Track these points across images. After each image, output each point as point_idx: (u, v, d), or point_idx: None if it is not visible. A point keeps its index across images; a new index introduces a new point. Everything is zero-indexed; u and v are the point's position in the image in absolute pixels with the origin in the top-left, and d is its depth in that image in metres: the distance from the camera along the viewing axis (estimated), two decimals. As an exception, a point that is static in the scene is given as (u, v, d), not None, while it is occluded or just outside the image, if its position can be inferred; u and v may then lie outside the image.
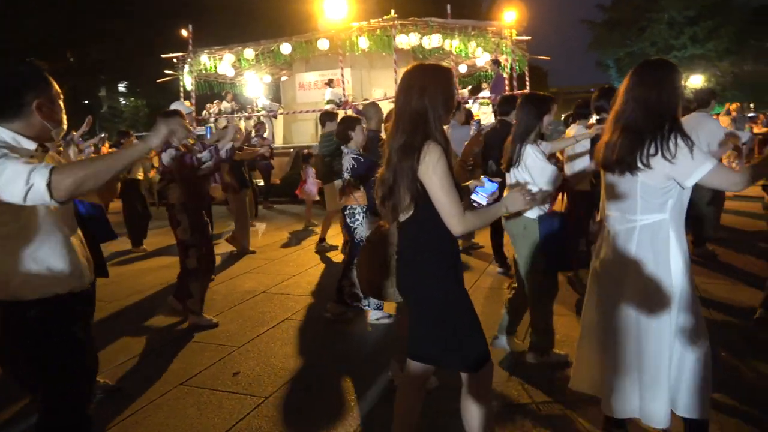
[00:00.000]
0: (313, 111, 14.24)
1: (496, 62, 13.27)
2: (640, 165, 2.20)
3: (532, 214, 3.36)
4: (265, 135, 12.14)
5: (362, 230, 4.37)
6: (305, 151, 10.61)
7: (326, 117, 6.91)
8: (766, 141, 12.16)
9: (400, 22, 12.41)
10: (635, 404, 2.36)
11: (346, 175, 4.34)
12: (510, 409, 3.03)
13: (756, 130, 14.20)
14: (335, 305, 4.62)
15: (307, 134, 15.00)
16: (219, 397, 3.34)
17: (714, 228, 6.40)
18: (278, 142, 15.53)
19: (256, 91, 16.82)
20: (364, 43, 12.94)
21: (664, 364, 2.27)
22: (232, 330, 4.47)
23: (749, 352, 3.56)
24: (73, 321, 2.03)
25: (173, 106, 5.43)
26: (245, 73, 16.50)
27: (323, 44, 13.40)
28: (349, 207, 4.44)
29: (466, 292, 2.24)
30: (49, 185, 1.69)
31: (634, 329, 2.33)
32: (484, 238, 6.25)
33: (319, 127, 7.25)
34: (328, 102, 13.17)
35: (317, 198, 9.55)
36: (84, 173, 1.75)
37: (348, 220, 4.45)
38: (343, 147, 4.42)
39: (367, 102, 12.29)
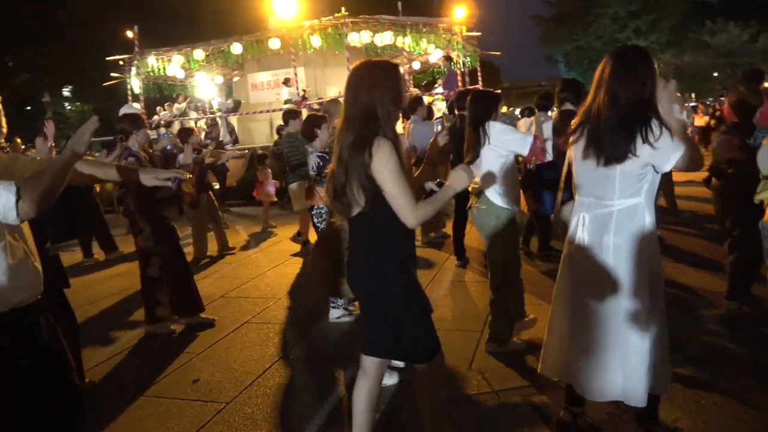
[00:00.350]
0: (267, 111, 14.09)
1: (447, 58, 13.42)
2: (629, 155, 2.22)
3: (504, 203, 3.45)
4: (221, 136, 11.95)
5: None
6: (260, 151, 10.47)
7: (289, 116, 6.82)
8: (706, 130, 12.73)
9: (351, 20, 12.39)
10: (618, 387, 2.38)
11: (312, 174, 4.31)
12: (470, 398, 3.08)
13: (697, 120, 14.83)
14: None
15: (262, 135, 14.81)
16: (179, 405, 3.28)
17: (673, 213, 6.68)
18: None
19: (208, 92, 16.49)
20: (316, 41, 12.86)
21: (646, 345, 2.33)
22: (191, 336, 4.39)
23: (696, 327, 3.74)
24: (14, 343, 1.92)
25: (123, 110, 5.27)
26: (196, 75, 16.15)
27: (275, 43, 13.24)
28: (316, 207, 4.41)
29: (420, 287, 2.28)
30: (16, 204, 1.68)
31: (613, 311, 2.37)
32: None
33: (274, 127, 7.17)
34: (286, 102, 13.02)
35: (275, 199, 9.45)
36: (43, 188, 1.73)
37: (315, 220, 4.42)
38: (307, 146, 4.39)
39: (322, 100, 12.26)
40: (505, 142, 3.43)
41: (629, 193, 2.31)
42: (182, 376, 3.68)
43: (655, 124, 2.20)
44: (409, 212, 2.06)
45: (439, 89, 14.38)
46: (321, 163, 4.19)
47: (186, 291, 4.61)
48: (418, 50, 14.35)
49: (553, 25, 33.02)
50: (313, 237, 7.20)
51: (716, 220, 4.58)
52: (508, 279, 3.60)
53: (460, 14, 16.12)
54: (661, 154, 2.20)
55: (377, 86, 2.09)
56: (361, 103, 2.09)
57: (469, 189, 3.49)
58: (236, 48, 13.69)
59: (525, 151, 3.44)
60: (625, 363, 2.36)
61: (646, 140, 2.18)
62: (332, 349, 3.99)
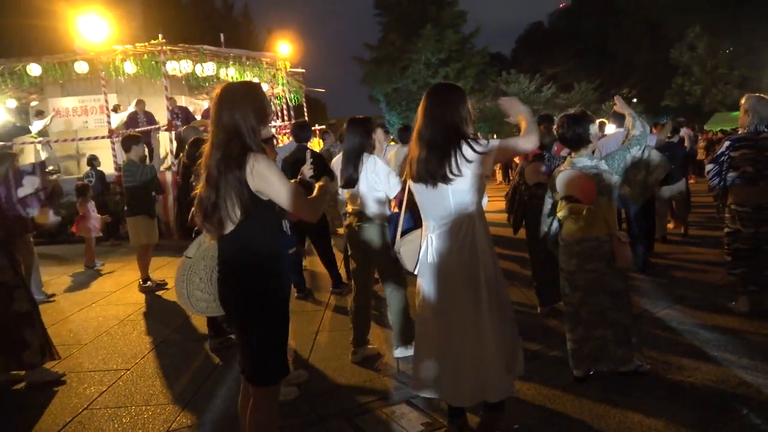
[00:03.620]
0: (73, 140, 12.79)
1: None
2: (450, 176, 2.51)
3: (380, 218, 3.87)
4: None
5: None
6: (79, 183, 9.34)
7: (131, 141, 6.38)
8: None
9: (169, 47, 11.89)
10: (482, 387, 2.60)
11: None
12: (382, 404, 3.30)
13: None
14: (214, 340, 4.41)
15: (71, 165, 13.36)
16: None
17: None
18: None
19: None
20: (130, 68, 12.08)
21: (502, 342, 2.62)
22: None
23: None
24: None
25: None
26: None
27: (82, 67, 12.15)
28: None
29: (288, 303, 2.43)
30: None
31: (474, 316, 2.58)
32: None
33: (83, 156, 6.62)
34: (40, 134, 11.96)
35: (100, 234, 8.52)
36: None
37: None
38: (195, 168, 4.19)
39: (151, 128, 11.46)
40: (380, 181, 3.83)
41: (464, 207, 2.59)
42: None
43: (464, 144, 2.54)
44: (304, 205, 2.22)
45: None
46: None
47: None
48: (242, 83, 14.22)
49: (374, 66, 35.05)
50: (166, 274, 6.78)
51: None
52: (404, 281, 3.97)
53: (284, 50, 16.41)
54: (483, 167, 2.58)
55: (239, 105, 2.17)
56: (224, 122, 2.16)
57: (348, 210, 4.02)
58: (34, 69, 12.27)
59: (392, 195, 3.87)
60: (487, 362, 2.57)
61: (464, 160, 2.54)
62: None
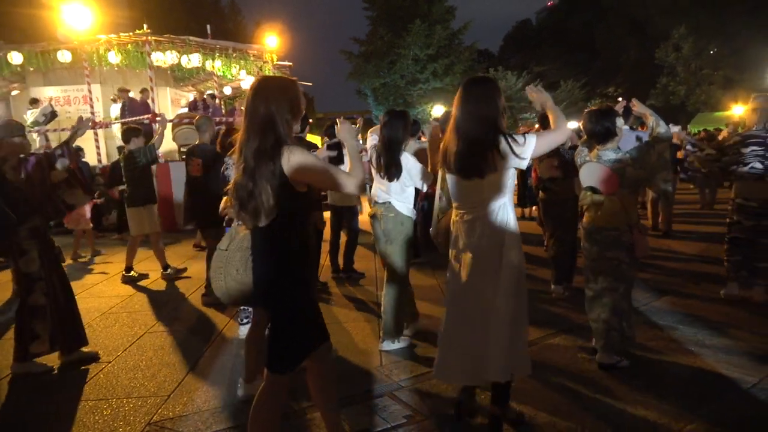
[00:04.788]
0: (55, 130, 12.60)
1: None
2: (487, 170, 2.58)
3: (408, 211, 3.99)
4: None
5: None
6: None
7: (132, 133, 6.45)
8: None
9: (154, 38, 11.75)
10: (499, 369, 2.64)
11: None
12: (364, 397, 3.36)
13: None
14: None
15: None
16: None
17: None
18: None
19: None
20: (114, 58, 11.93)
21: (519, 327, 2.67)
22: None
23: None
24: None
25: None
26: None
27: (65, 56, 11.97)
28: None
29: (313, 297, 2.50)
30: None
31: (495, 300, 2.63)
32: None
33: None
34: (34, 123, 11.66)
35: (90, 225, 8.43)
36: None
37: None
38: (227, 158, 4.15)
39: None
40: (411, 176, 3.94)
41: (498, 196, 2.66)
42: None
43: (502, 138, 2.60)
44: (345, 180, 2.24)
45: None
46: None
47: (70, 321, 4.04)
48: (228, 75, 14.11)
49: (362, 61, 34.90)
50: (144, 265, 6.79)
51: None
52: (407, 278, 4.09)
53: (272, 43, 16.28)
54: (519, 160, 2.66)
55: (275, 98, 2.22)
56: (261, 113, 2.19)
57: (376, 201, 4.11)
58: (15, 57, 12.07)
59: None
60: (504, 345, 2.61)
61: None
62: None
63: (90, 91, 12.27)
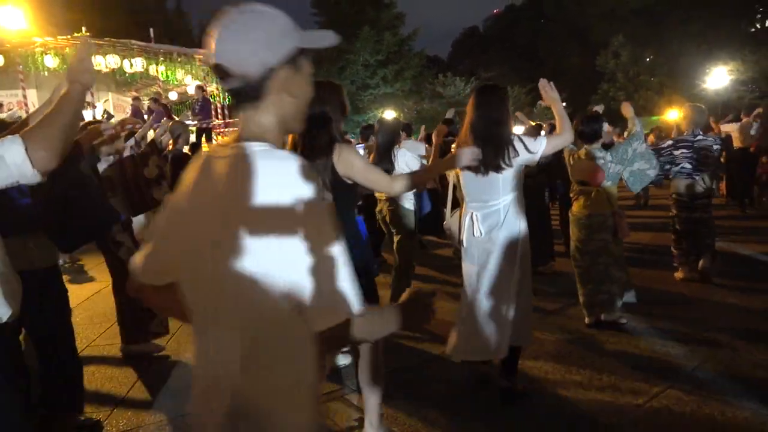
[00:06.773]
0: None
1: (201, 88, 13.20)
2: (504, 166, 2.89)
3: (409, 205, 4.72)
4: None
5: None
6: None
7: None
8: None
9: (95, 41, 11.36)
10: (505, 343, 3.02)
11: None
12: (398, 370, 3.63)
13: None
14: None
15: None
16: None
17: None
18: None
19: None
20: (51, 62, 11.46)
21: (525, 307, 3.08)
22: None
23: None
24: None
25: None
26: None
27: (-3, 59, 11.42)
28: None
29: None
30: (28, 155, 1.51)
31: (508, 285, 2.99)
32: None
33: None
34: None
35: None
36: (53, 132, 1.56)
37: None
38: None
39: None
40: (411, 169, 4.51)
41: (509, 191, 2.98)
42: None
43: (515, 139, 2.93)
44: (386, 182, 2.48)
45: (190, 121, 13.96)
46: None
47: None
48: (173, 80, 13.79)
49: (313, 66, 34.72)
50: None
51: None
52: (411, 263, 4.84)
53: (218, 47, 15.93)
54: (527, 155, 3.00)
55: (329, 99, 2.40)
56: (314, 114, 2.27)
57: (381, 197, 4.87)
58: (-62, 60, 11.43)
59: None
60: (515, 320, 2.99)
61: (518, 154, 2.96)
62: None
63: (25, 96, 11.74)
